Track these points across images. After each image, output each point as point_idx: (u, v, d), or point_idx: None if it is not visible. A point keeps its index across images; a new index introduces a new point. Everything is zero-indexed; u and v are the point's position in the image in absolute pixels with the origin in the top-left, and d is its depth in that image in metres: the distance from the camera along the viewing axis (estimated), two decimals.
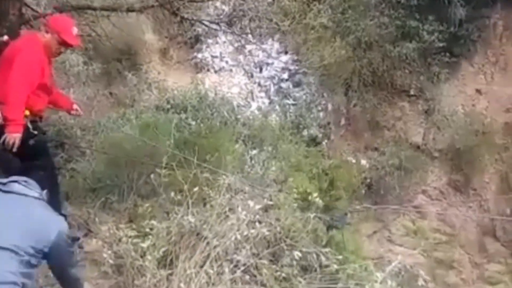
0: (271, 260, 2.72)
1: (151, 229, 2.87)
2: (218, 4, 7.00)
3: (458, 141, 7.08)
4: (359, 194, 6.27)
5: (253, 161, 4.61)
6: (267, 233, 2.70)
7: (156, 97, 6.15)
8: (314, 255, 2.69)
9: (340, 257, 2.78)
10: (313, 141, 7.17)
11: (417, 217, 7.29)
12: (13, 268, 2.02)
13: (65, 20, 3.37)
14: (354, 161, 7.42)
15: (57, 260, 2.21)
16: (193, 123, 5.56)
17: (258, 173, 3.87)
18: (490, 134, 7.09)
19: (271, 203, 2.96)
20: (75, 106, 3.77)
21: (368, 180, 7.13)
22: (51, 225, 2.21)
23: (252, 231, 2.66)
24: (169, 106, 5.91)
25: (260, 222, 2.78)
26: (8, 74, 3.06)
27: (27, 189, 2.26)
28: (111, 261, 2.68)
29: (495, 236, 6.97)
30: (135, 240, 2.79)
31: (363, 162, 7.43)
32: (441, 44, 7.22)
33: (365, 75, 7.45)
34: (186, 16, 5.26)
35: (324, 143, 7.38)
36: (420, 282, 2.77)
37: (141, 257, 2.72)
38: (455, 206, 7.16)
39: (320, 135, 7.35)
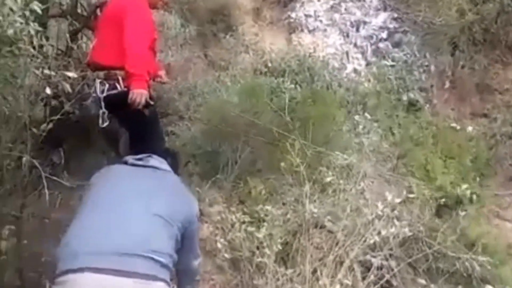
0: (412, 267, 2.16)
1: (265, 215, 2.42)
2: None
3: None
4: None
5: (362, 131, 4.00)
6: (408, 233, 2.14)
7: (253, 59, 5.63)
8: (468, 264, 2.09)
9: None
10: (413, 106, 6.36)
11: None
12: (171, 241, 1.77)
13: None
14: (458, 127, 6.52)
15: (187, 243, 1.88)
16: (292, 86, 5.02)
17: (373, 147, 3.26)
18: None
19: (412, 196, 2.37)
20: (160, 73, 3.35)
21: (474, 150, 6.21)
22: (192, 203, 2.00)
23: (392, 230, 2.10)
24: (266, 69, 5.39)
25: (398, 219, 2.21)
26: (118, 33, 2.67)
27: (164, 164, 2.02)
28: (226, 255, 2.26)
29: None
30: (249, 229, 2.36)
31: (469, 129, 6.48)
32: None
33: (476, 33, 6.37)
34: None
35: (426, 107, 6.53)
36: None
37: (257, 248, 2.29)
38: None
39: (421, 99, 6.50)
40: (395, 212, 2.17)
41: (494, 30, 6.29)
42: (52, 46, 2.58)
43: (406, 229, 2.13)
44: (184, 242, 1.87)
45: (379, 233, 2.10)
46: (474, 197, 2.41)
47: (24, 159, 1.97)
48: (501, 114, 6.31)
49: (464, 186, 2.38)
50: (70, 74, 2.14)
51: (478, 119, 6.55)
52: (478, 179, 4.17)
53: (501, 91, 6.55)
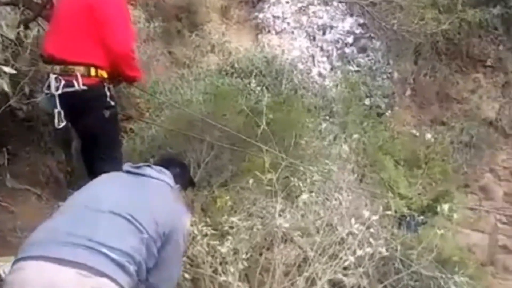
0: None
1: (230, 227, 2.19)
2: None
3: None
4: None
5: (328, 137, 3.84)
6: (385, 253, 1.95)
7: (219, 59, 5.37)
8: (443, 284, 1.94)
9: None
10: (376, 111, 6.31)
11: (482, 197, 6.39)
12: (135, 243, 1.66)
13: None
14: (418, 134, 6.52)
15: (169, 254, 1.80)
16: (259, 89, 4.80)
17: (342, 156, 3.10)
18: None
19: (389, 212, 2.19)
20: None
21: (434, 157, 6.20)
22: (178, 213, 1.88)
23: (368, 249, 1.91)
24: (232, 70, 5.15)
25: (374, 238, 2.02)
26: (88, 25, 2.38)
27: (161, 174, 1.94)
28: (186, 275, 2.01)
29: None
30: (212, 242, 2.12)
31: (428, 136, 6.49)
32: None
33: (439, 42, 6.39)
34: None
35: (387, 113, 6.49)
36: None
37: (220, 264, 2.05)
38: None
39: (383, 105, 6.46)
40: (371, 230, 1.99)
41: (456, 40, 6.33)
42: None
43: (383, 249, 1.95)
44: (161, 256, 1.76)
45: (354, 252, 1.90)
46: (446, 210, 2.28)
47: None
48: (459, 123, 6.38)
49: (446, 205, 2.23)
50: (7, 69, 1.79)
51: (437, 127, 6.59)
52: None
53: (460, 100, 6.61)
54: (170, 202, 1.89)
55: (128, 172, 1.94)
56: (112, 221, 1.67)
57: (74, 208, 1.74)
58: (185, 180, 2.13)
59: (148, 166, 1.97)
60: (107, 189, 1.84)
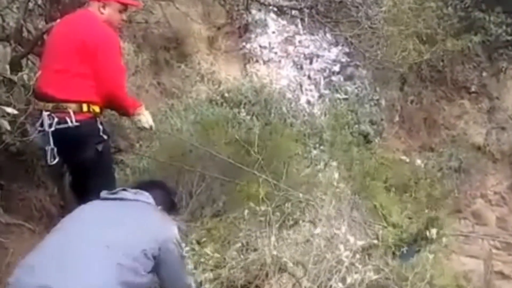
0: None
1: (223, 259, 2.25)
2: None
3: None
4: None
5: (319, 165, 3.97)
6: (374, 276, 2.04)
7: (208, 88, 5.53)
8: None
9: None
10: (365, 138, 6.49)
11: (475, 222, 6.52)
12: (116, 271, 1.70)
13: None
14: (408, 160, 6.69)
15: (168, 268, 1.89)
16: (249, 118, 4.94)
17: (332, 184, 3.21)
18: None
19: (376, 242, 2.28)
20: None
21: (424, 182, 6.36)
22: (165, 230, 1.94)
23: (356, 276, 2.00)
24: (222, 99, 5.30)
25: (361, 264, 2.10)
26: (86, 65, 2.50)
27: (137, 195, 2.02)
28: None
29: None
30: (206, 275, 2.18)
31: (418, 162, 6.67)
32: (508, 38, 6.36)
33: (424, 70, 6.66)
34: None
35: (376, 140, 6.67)
36: None
37: None
38: None
39: (372, 132, 6.65)
40: (357, 256, 2.07)
41: (440, 68, 6.60)
42: None
43: (372, 273, 2.03)
44: (165, 266, 1.86)
45: (343, 279, 1.98)
46: (434, 236, 2.39)
47: None
48: (447, 149, 6.58)
49: (434, 230, 2.33)
50: (9, 110, 1.90)
51: (426, 153, 6.78)
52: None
53: (447, 126, 6.84)
54: (150, 220, 1.95)
55: (105, 198, 2.03)
56: (92, 251, 1.71)
57: (50, 247, 1.78)
58: (167, 203, 2.18)
59: (124, 189, 2.07)
60: (85, 219, 1.90)
